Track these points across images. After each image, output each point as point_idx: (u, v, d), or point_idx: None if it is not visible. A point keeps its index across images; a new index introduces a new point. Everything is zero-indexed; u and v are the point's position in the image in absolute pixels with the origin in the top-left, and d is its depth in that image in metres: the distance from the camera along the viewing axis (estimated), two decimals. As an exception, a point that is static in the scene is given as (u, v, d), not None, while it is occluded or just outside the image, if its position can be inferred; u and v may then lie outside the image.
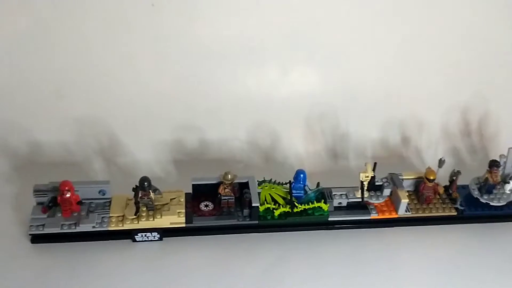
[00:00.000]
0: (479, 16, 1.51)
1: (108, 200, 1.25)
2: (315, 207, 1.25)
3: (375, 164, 1.25)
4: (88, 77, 1.46)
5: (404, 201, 1.25)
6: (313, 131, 1.53)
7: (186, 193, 1.28)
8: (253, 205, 1.21)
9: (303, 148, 1.52)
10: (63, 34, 1.42)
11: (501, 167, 1.31)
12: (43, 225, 1.19)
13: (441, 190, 1.30)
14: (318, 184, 1.28)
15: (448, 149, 1.54)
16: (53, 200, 1.20)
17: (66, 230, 1.19)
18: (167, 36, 1.46)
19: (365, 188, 1.25)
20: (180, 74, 1.50)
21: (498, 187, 1.31)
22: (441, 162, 1.27)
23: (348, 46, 1.50)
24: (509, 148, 1.30)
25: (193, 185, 1.26)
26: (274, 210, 1.24)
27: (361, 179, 1.24)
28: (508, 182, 1.29)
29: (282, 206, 1.24)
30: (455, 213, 1.30)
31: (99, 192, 1.25)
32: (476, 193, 1.30)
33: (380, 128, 1.54)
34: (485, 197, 1.30)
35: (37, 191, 1.22)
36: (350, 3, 1.47)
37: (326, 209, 1.25)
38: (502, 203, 1.30)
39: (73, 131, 1.46)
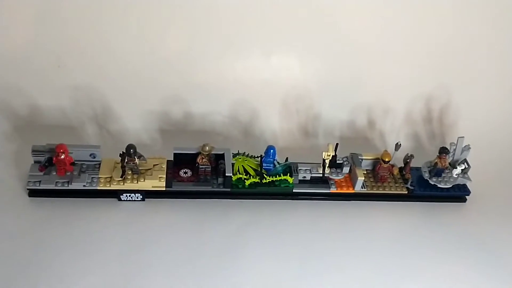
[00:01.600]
0: (447, 15, 1.61)
1: (98, 163, 1.38)
2: (281, 179, 1.38)
3: (337, 144, 1.38)
4: (86, 48, 1.55)
5: (361, 178, 1.39)
6: (289, 111, 1.64)
7: (168, 161, 1.40)
8: (227, 174, 1.35)
9: (278, 126, 1.63)
10: (63, 7, 1.50)
11: (451, 154, 1.45)
12: (40, 181, 1.32)
13: (396, 171, 1.43)
14: (286, 159, 1.42)
15: (410, 134, 1.66)
16: (49, 160, 1.32)
17: (60, 187, 1.32)
18: (161, 14, 1.54)
19: (327, 165, 1.39)
20: (171, 50, 1.60)
21: (447, 171, 1.44)
22: (397, 146, 1.40)
23: (325, 37, 1.60)
24: (458, 137, 1.43)
25: (174, 153, 1.38)
26: (245, 180, 1.37)
27: (323, 157, 1.37)
28: (456, 168, 1.43)
29: (253, 177, 1.37)
30: (406, 192, 1.44)
31: (90, 155, 1.37)
32: (426, 175, 1.44)
33: (349, 111, 1.66)
34: (434, 179, 1.43)
35: (35, 151, 1.34)
36: None
37: (291, 182, 1.38)
38: (448, 185, 1.43)
39: (70, 97, 1.56)
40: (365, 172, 1.44)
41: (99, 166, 1.37)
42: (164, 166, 1.39)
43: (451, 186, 1.44)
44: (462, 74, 1.67)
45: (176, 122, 1.61)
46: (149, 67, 1.59)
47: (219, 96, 1.63)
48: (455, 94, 1.68)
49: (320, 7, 1.57)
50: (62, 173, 1.34)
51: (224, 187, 1.38)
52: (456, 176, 1.44)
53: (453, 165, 1.45)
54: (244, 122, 1.63)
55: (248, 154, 1.43)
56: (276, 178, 1.38)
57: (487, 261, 1.32)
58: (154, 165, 1.38)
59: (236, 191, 1.39)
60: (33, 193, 1.34)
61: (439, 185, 1.43)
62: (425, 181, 1.44)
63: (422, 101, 1.68)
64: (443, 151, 1.41)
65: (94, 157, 1.38)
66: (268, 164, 1.39)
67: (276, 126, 1.63)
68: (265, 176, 1.38)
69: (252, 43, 1.62)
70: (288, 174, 1.39)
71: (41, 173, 1.33)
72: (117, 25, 1.55)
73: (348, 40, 1.62)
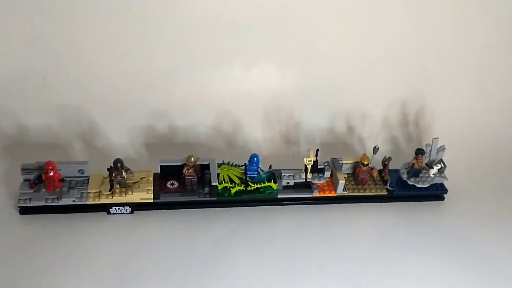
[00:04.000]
0: (421, 23, 1.68)
1: (86, 178, 1.41)
2: (266, 186, 1.43)
3: (317, 150, 1.43)
4: (71, 67, 1.60)
5: (341, 182, 1.44)
6: (271, 121, 1.70)
7: (155, 173, 1.44)
8: (213, 184, 1.39)
9: (261, 135, 1.69)
10: (50, 29, 1.56)
11: (427, 154, 1.50)
12: (30, 198, 1.35)
13: (375, 173, 1.49)
14: (270, 166, 1.47)
15: (388, 137, 1.72)
16: (38, 177, 1.35)
17: (50, 203, 1.35)
18: (144, 34, 1.60)
19: (308, 170, 1.44)
20: (153, 66, 1.65)
21: (424, 171, 1.50)
22: (375, 150, 1.46)
23: (303, 47, 1.67)
24: (433, 139, 1.50)
25: (160, 166, 1.43)
26: (231, 188, 1.41)
27: (305, 163, 1.43)
28: (433, 167, 1.49)
29: (238, 185, 1.42)
30: (386, 193, 1.49)
31: (79, 171, 1.41)
32: (404, 176, 1.50)
33: (329, 118, 1.71)
34: (412, 179, 1.49)
35: (24, 170, 1.37)
36: (305, 4, 1.63)
37: (275, 188, 1.43)
38: (426, 185, 1.49)
39: (57, 116, 1.60)
40: (346, 176, 1.49)
41: (88, 181, 1.41)
42: (151, 178, 1.43)
43: (428, 185, 1.49)
44: (435, 79, 1.75)
45: (161, 136, 1.65)
46: (132, 84, 1.64)
47: (202, 109, 1.68)
48: (429, 98, 1.74)
49: (295, 18, 1.63)
50: (52, 190, 1.37)
51: (210, 196, 1.42)
52: (433, 175, 1.49)
53: (429, 166, 1.51)
54: (228, 133, 1.68)
55: (233, 163, 1.47)
56: (260, 185, 1.43)
57: (466, 256, 1.37)
58: (141, 178, 1.42)
59: (222, 200, 1.43)
60: (24, 210, 1.37)
61: (417, 185, 1.49)
62: (404, 182, 1.50)
63: (397, 106, 1.74)
64: (419, 152, 1.47)
65: (83, 173, 1.42)
66: (252, 172, 1.44)
67: (259, 136, 1.68)
68: (250, 183, 1.42)
69: (231, 56, 1.67)
70: (272, 180, 1.44)
71: (31, 191, 1.36)
72: (101, 43, 1.60)
73: (324, 50, 1.68)
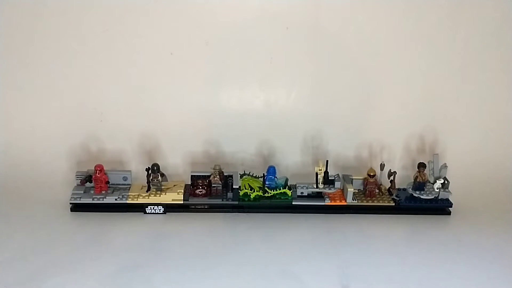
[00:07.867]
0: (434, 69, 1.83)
1: (129, 186, 1.65)
2: (281, 192, 1.60)
3: (327, 161, 1.60)
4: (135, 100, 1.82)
5: (351, 190, 1.59)
6: (302, 148, 1.86)
7: (186, 184, 1.66)
8: (234, 186, 1.60)
9: (292, 160, 1.85)
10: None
11: (430, 170, 1.63)
12: (80, 197, 1.59)
13: (383, 188, 1.64)
14: (287, 179, 1.65)
15: (405, 163, 1.84)
16: (88, 177, 1.60)
17: (96, 201, 1.59)
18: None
19: (319, 177, 1.59)
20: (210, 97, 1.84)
21: (428, 185, 1.63)
22: (382, 166, 1.62)
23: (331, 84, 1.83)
24: (433, 154, 1.64)
25: (191, 175, 1.65)
26: (250, 194, 1.60)
27: (316, 171, 1.60)
28: (436, 182, 1.62)
29: (257, 191, 1.61)
30: (393, 204, 1.61)
31: (123, 178, 1.65)
32: (410, 190, 1.63)
33: (354, 148, 1.85)
34: (417, 192, 1.62)
35: (78, 175, 1.63)
36: (323, 43, 1.77)
37: (290, 194, 1.60)
38: (430, 197, 1.61)
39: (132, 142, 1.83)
40: (356, 190, 1.64)
41: (130, 187, 1.64)
42: (183, 185, 1.65)
43: (433, 197, 1.61)
44: (447, 118, 1.87)
45: (212, 160, 1.83)
46: (188, 116, 1.84)
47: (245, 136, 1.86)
48: (442, 133, 1.86)
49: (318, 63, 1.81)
50: (99, 191, 1.60)
51: (232, 200, 1.60)
52: (437, 190, 1.61)
53: (434, 182, 1.63)
54: (264, 156, 1.85)
55: (253, 174, 1.67)
56: (277, 192, 1.60)
57: (469, 269, 1.42)
58: (174, 185, 1.65)
59: (243, 204, 1.61)
60: (74, 207, 1.60)
61: (422, 197, 1.61)
62: (410, 195, 1.63)
63: (414, 138, 1.86)
64: (421, 165, 1.61)
65: (126, 180, 1.65)
66: (270, 182, 1.63)
67: (290, 160, 1.84)
68: (267, 190, 1.61)
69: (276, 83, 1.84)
70: (287, 188, 1.61)
71: (82, 189, 1.61)
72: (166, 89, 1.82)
73: (351, 88, 1.83)
